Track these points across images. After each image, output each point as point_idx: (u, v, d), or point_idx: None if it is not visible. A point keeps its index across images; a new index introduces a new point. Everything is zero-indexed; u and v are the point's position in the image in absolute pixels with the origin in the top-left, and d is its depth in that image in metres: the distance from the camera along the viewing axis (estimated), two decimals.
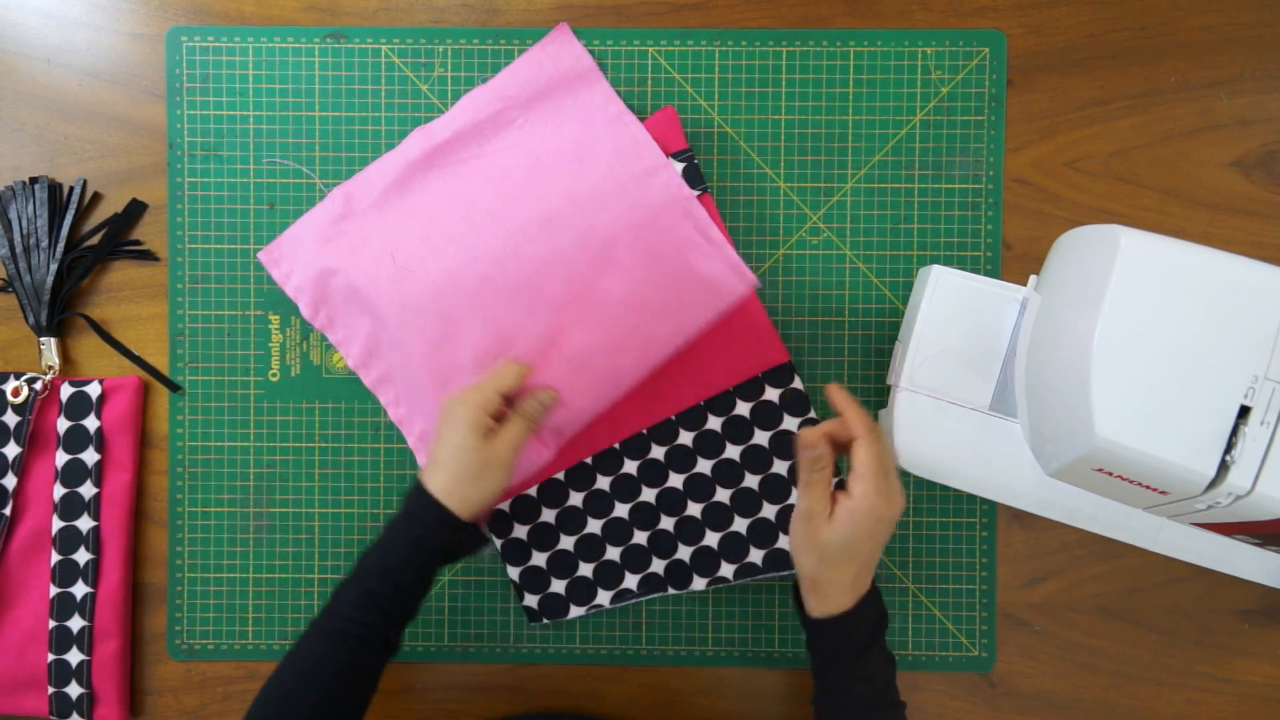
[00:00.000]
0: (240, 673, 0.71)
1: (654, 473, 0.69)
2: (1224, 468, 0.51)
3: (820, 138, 0.71)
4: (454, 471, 0.58)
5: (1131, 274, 0.53)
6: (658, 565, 0.69)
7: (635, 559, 0.70)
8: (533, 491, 0.70)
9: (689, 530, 0.69)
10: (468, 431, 0.58)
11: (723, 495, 0.69)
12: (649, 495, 0.69)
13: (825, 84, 0.71)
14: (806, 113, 0.71)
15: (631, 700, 0.71)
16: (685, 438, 0.69)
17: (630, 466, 0.69)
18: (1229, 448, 0.51)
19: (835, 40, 0.71)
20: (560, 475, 0.70)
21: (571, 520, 0.70)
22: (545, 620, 0.70)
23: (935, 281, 0.64)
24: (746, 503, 0.69)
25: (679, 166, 0.66)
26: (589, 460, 0.70)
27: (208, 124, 0.71)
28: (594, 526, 0.70)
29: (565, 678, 0.72)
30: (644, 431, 0.69)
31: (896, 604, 0.70)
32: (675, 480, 0.69)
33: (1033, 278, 0.63)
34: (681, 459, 0.69)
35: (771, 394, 0.69)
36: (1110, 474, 0.55)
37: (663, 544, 0.69)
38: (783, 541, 0.68)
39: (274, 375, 0.71)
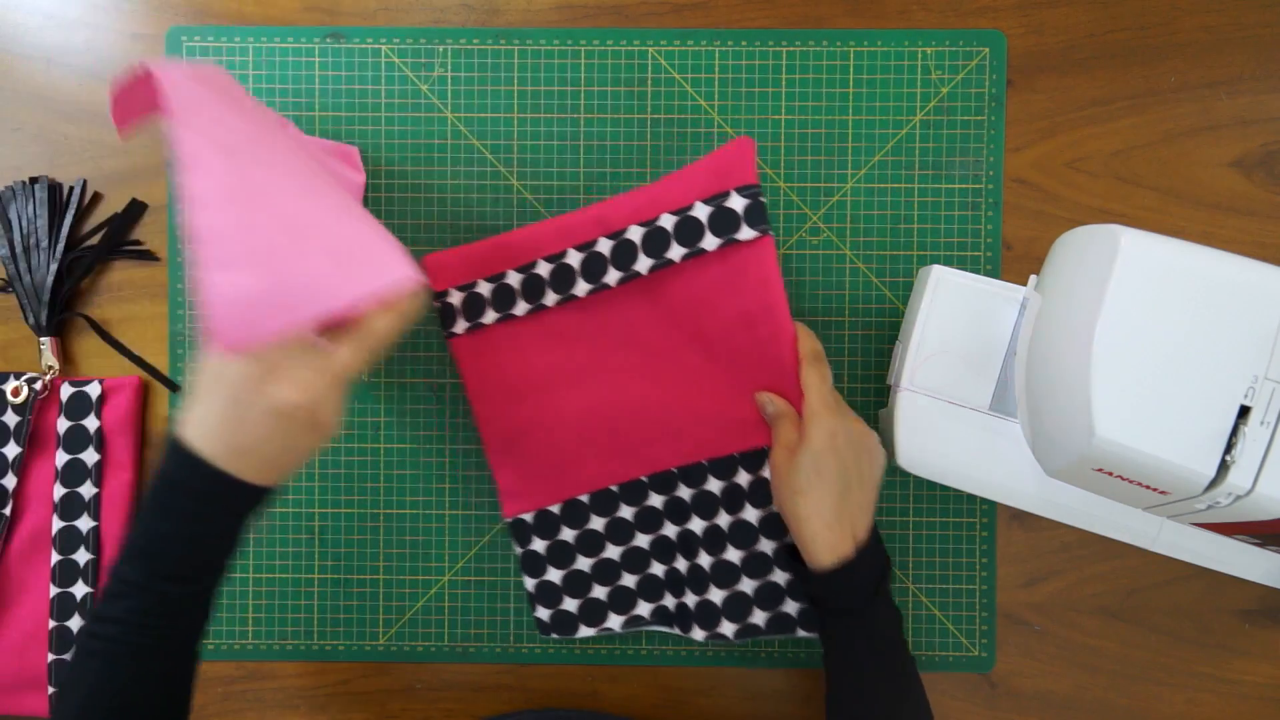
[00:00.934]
0: (240, 673, 0.71)
1: (678, 512, 0.67)
2: (1224, 468, 0.51)
3: (820, 138, 0.71)
4: (278, 464, 0.49)
5: (1131, 274, 0.53)
6: (669, 600, 0.68)
7: (650, 589, 0.69)
8: (555, 509, 0.69)
9: (698, 579, 0.67)
10: (306, 436, 0.49)
11: (734, 555, 0.66)
12: (670, 531, 0.68)
13: (825, 84, 0.71)
14: (806, 113, 0.71)
15: (631, 700, 0.71)
16: (714, 485, 0.66)
17: (656, 500, 0.67)
18: (1229, 448, 0.51)
19: (835, 40, 0.71)
20: (584, 498, 0.68)
21: (591, 543, 0.69)
22: (555, 635, 0.70)
23: (935, 281, 0.64)
24: (757, 566, 0.66)
25: (742, 203, 0.61)
26: (615, 488, 0.68)
27: None
28: (613, 552, 0.68)
29: (565, 678, 0.72)
30: (674, 470, 0.67)
31: (896, 604, 0.70)
32: (696, 525, 0.66)
33: (1033, 278, 0.63)
34: (707, 506, 0.66)
35: None
36: (1110, 474, 0.55)
37: (676, 582, 0.68)
38: (789, 605, 0.66)
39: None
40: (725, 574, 0.66)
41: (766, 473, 0.64)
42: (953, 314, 0.64)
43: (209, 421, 0.48)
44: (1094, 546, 0.70)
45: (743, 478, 0.65)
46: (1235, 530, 0.60)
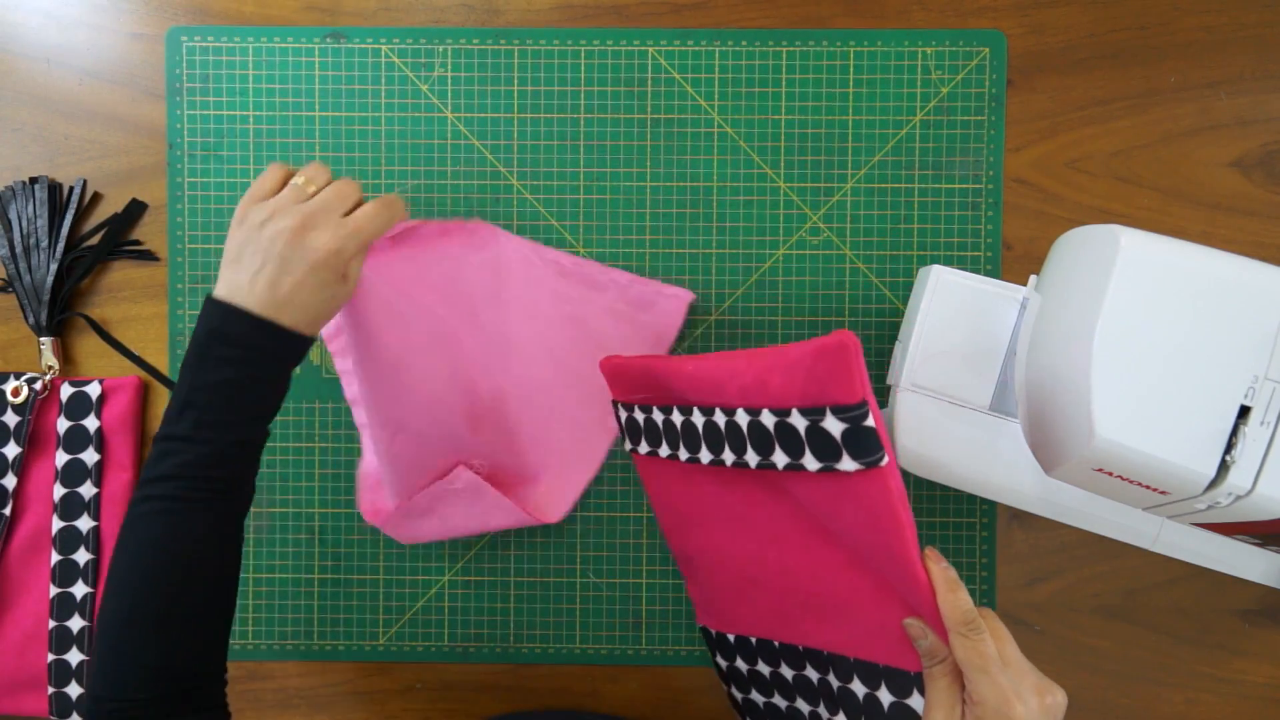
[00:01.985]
0: (240, 673, 0.71)
1: (829, 698, 0.61)
2: (1224, 468, 0.51)
3: (820, 138, 0.71)
4: (316, 312, 0.52)
5: (1131, 274, 0.53)
6: None
7: None
8: (731, 637, 0.66)
9: None
10: (334, 282, 0.52)
11: None
12: (824, 713, 0.62)
13: (825, 84, 0.71)
14: (806, 113, 0.71)
15: (631, 700, 0.71)
16: (858, 688, 0.58)
17: (812, 674, 0.62)
18: (1229, 448, 0.51)
19: (835, 40, 0.71)
20: (753, 640, 0.65)
21: (760, 683, 0.66)
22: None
23: (935, 281, 0.64)
24: None
25: (839, 428, 0.50)
26: (777, 645, 0.64)
27: (208, 124, 0.71)
28: (779, 700, 0.65)
29: (565, 678, 0.72)
30: (824, 653, 0.61)
31: None
32: None
33: (1033, 278, 0.63)
34: (850, 706, 0.59)
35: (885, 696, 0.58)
36: (1110, 474, 0.55)
37: None
38: None
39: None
40: None
41: (913, 703, 0.55)
42: (953, 314, 0.64)
43: (244, 279, 0.51)
44: (1094, 546, 0.70)
45: (885, 696, 0.56)
46: (1235, 530, 0.60)
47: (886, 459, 0.50)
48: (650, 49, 0.71)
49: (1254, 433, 0.51)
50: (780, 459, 0.54)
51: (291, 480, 0.71)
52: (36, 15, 0.72)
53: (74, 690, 0.69)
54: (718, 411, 0.58)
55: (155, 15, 0.72)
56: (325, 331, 0.69)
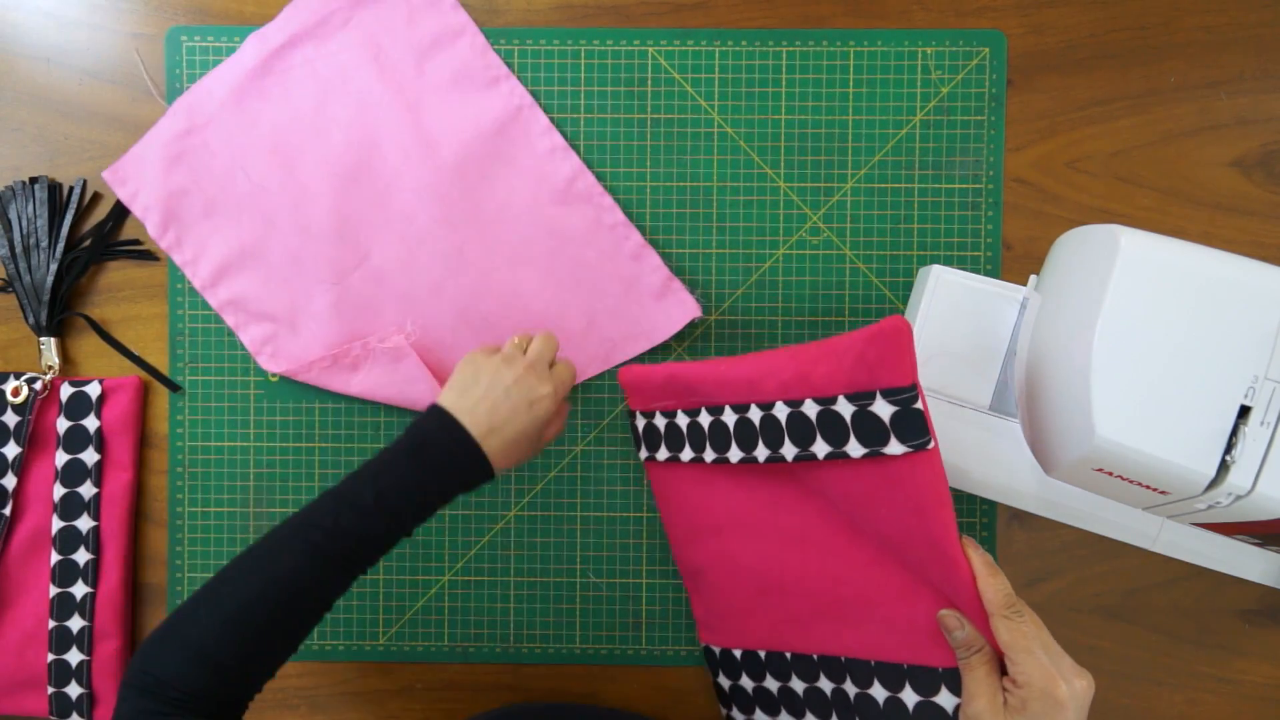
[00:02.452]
0: None
1: (844, 707, 0.61)
2: (1224, 468, 0.51)
3: (820, 138, 0.71)
4: (511, 445, 0.58)
5: (1131, 274, 0.53)
6: None
7: None
8: (737, 653, 0.66)
9: None
10: (538, 426, 0.59)
11: None
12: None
13: (825, 84, 0.71)
14: (806, 113, 0.71)
15: (631, 700, 0.71)
16: (878, 692, 0.58)
17: (825, 685, 0.61)
18: (1229, 448, 0.51)
19: (835, 40, 0.71)
20: (762, 654, 0.64)
21: (767, 701, 0.65)
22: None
23: (935, 281, 0.64)
24: None
25: (889, 411, 0.51)
26: (788, 656, 0.63)
27: None
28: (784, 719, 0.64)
29: (565, 678, 0.72)
30: (842, 660, 0.60)
31: None
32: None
33: (1033, 278, 0.63)
34: (870, 714, 0.59)
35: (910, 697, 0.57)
36: (1110, 474, 0.55)
37: None
38: None
39: (274, 375, 0.71)
40: None
41: (941, 700, 0.55)
42: (953, 314, 0.64)
43: (468, 404, 0.57)
44: (1094, 546, 0.70)
45: (910, 696, 0.56)
46: (1235, 530, 0.60)
47: (933, 442, 0.51)
48: (650, 49, 0.71)
49: (1254, 433, 0.51)
50: (821, 448, 0.54)
51: (291, 480, 0.71)
52: (36, 15, 0.72)
53: (74, 690, 0.69)
54: (753, 408, 0.58)
55: (155, 15, 0.72)
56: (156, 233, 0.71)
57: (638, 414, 0.67)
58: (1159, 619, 0.70)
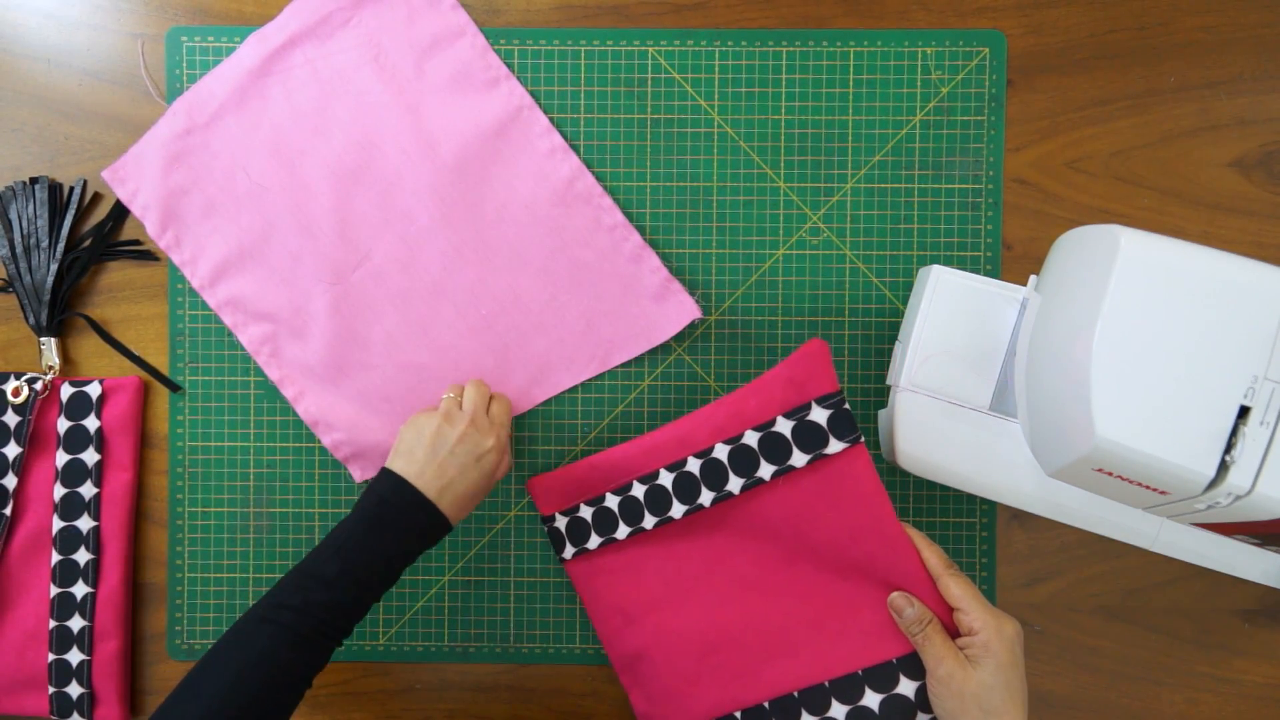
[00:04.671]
0: None
1: None
2: (1224, 468, 0.51)
3: (820, 138, 0.71)
4: (466, 506, 0.62)
5: (1131, 274, 0.53)
6: None
7: None
8: None
9: None
10: (488, 477, 0.62)
11: None
12: None
13: (825, 84, 0.71)
14: (806, 113, 0.71)
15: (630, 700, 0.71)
16: (838, 711, 0.59)
17: None
18: (1229, 448, 0.51)
19: (835, 40, 0.71)
20: None
21: None
22: None
23: (935, 281, 0.64)
24: None
25: (824, 415, 0.58)
26: (738, 715, 0.62)
27: None
28: None
29: (565, 678, 0.72)
30: (795, 695, 0.61)
31: None
32: None
33: (1033, 278, 0.63)
34: None
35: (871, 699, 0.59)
36: (1110, 474, 0.55)
37: None
38: None
39: None
40: None
41: (902, 689, 0.58)
42: (953, 314, 0.64)
43: (417, 465, 0.60)
44: (1094, 546, 0.70)
45: (871, 699, 0.58)
46: (1235, 530, 0.60)
47: (861, 437, 0.58)
48: (650, 49, 0.71)
49: (1254, 433, 0.51)
50: (766, 470, 0.60)
51: (292, 480, 0.71)
52: (36, 15, 0.72)
53: (74, 690, 0.69)
54: (690, 460, 0.62)
55: (155, 15, 0.72)
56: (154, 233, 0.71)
57: (556, 515, 0.68)
58: (1159, 619, 0.70)
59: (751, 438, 0.60)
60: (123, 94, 0.72)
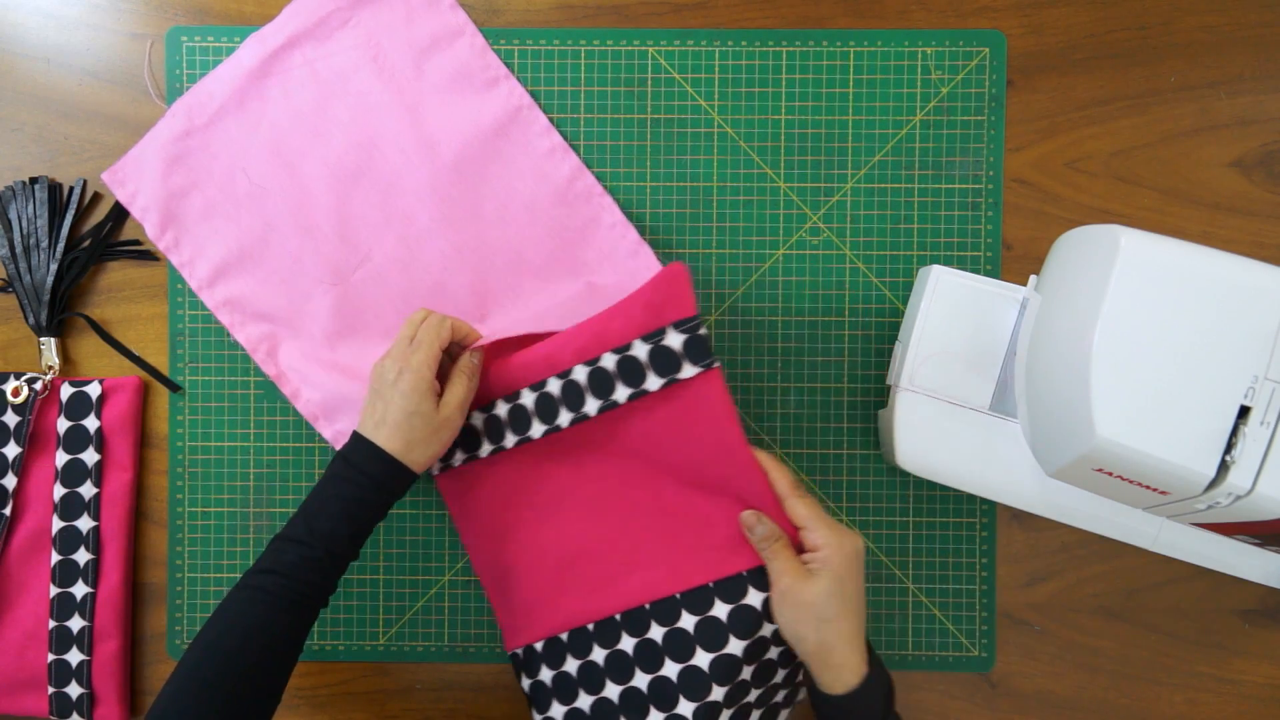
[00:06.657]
0: None
1: (651, 658, 0.62)
2: (1224, 468, 0.51)
3: (820, 138, 0.71)
4: (408, 436, 0.59)
5: (1131, 274, 0.53)
6: None
7: None
8: (539, 645, 0.66)
9: None
10: (420, 399, 0.59)
11: (718, 694, 0.60)
12: (641, 682, 0.62)
13: (825, 84, 0.71)
14: (806, 113, 0.71)
15: None
16: (688, 621, 0.61)
17: (627, 644, 0.63)
18: (1229, 448, 0.51)
19: (835, 40, 0.71)
20: (564, 636, 0.65)
21: (565, 687, 0.65)
22: None
23: (935, 281, 0.64)
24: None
25: (679, 340, 0.59)
26: (590, 627, 0.64)
27: None
28: (584, 701, 0.64)
29: None
30: (646, 607, 0.63)
31: (896, 604, 0.70)
32: (670, 670, 0.61)
33: (1033, 278, 0.63)
34: (681, 647, 0.61)
35: (720, 610, 0.61)
36: (1110, 474, 0.55)
37: None
38: None
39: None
40: (709, 716, 0.60)
41: (750, 600, 0.59)
42: (953, 314, 0.64)
43: (370, 423, 0.60)
44: (1094, 546, 0.70)
45: (720, 609, 0.60)
46: (1235, 530, 0.60)
47: (717, 362, 0.59)
48: (650, 49, 0.71)
49: (1254, 433, 0.51)
50: (622, 393, 0.61)
51: (291, 480, 0.71)
52: (36, 15, 0.72)
53: (74, 690, 0.69)
54: (550, 380, 0.63)
55: (155, 15, 0.72)
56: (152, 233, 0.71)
57: None
58: (1159, 619, 0.70)
59: (609, 360, 0.61)
60: (123, 94, 0.72)
